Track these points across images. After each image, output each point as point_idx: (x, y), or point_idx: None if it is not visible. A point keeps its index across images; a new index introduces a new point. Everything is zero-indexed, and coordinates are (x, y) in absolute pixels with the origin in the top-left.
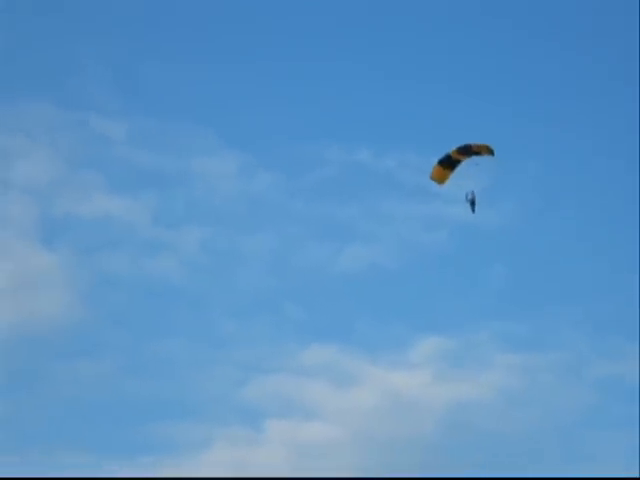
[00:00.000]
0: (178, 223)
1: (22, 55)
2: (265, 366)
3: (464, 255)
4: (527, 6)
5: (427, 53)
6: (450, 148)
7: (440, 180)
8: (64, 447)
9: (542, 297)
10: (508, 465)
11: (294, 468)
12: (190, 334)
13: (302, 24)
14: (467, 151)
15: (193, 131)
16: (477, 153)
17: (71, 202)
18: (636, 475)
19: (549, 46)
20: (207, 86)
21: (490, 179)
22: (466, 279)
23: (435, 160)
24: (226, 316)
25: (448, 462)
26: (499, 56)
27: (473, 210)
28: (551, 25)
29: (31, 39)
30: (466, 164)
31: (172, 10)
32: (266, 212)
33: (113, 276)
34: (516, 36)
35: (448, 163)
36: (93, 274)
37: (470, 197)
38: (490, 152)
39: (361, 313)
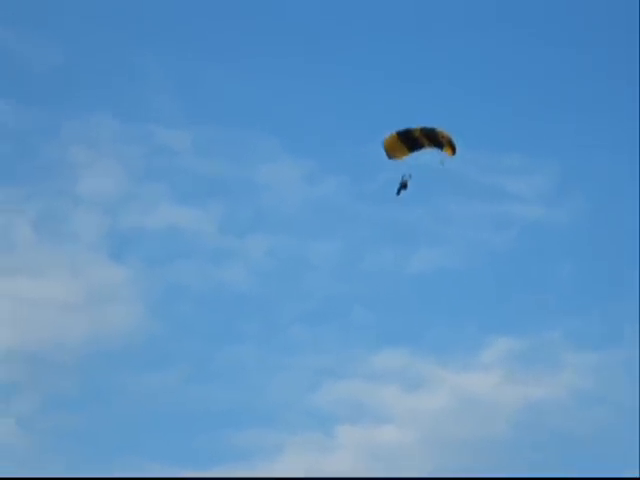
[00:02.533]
0: (245, 231)
1: (85, 67)
2: (335, 371)
3: (533, 254)
4: None
5: (495, 60)
6: (417, 125)
7: (391, 151)
8: (140, 458)
9: (613, 294)
10: (579, 466)
11: (367, 473)
12: (260, 341)
13: (365, 34)
14: (430, 136)
15: (257, 139)
16: (439, 145)
17: (138, 214)
18: (636, 475)
19: None
20: (270, 93)
21: (559, 176)
22: (536, 278)
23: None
24: (295, 322)
25: (520, 463)
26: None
27: (398, 192)
28: None
29: (93, 51)
30: (429, 155)
31: (232, 18)
32: (332, 217)
33: (182, 286)
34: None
35: (407, 138)
36: (163, 286)
37: (405, 179)
38: (452, 149)
39: (431, 316)
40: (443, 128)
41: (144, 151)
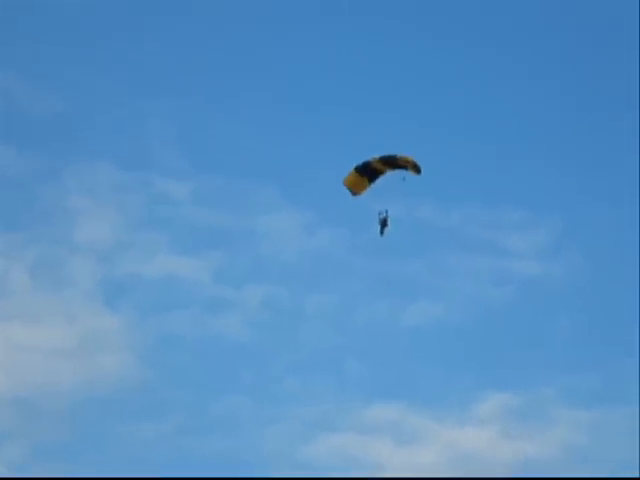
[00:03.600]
0: (241, 281)
1: (85, 114)
2: (329, 424)
3: (531, 309)
4: None
5: (496, 115)
6: (373, 156)
7: (354, 188)
8: None
9: (610, 351)
10: None
11: None
12: (253, 391)
13: (365, 88)
14: (392, 162)
15: (257, 189)
16: (402, 167)
17: (135, 263)
18: (636, 475)
19: None
20: (270, 143)
21: (558, 231)
22: (533, 334)
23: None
24: (289, 373)
25: None
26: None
27: (382, 232)
28: None
29: (94, 98)
30: (391, 177)
31: (233, 69)
32: (329, 269)
33: (177, 336)
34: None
35: (366, 172)
36: (156, 334)
37: (382, 217)
38: (416, 170)
39: (425, 369)
40: (403, 153)
41: (143, 200)
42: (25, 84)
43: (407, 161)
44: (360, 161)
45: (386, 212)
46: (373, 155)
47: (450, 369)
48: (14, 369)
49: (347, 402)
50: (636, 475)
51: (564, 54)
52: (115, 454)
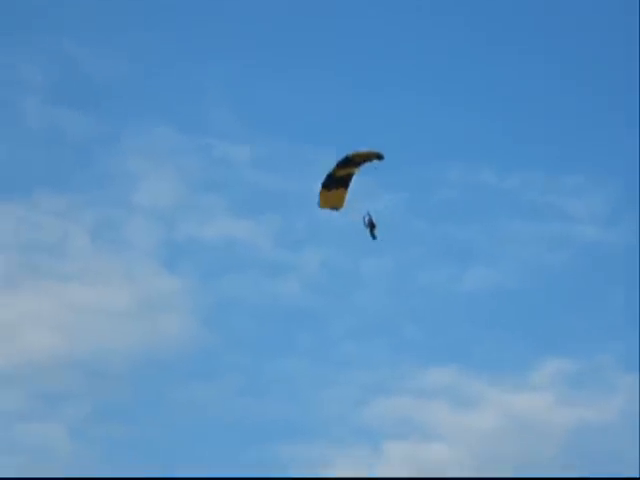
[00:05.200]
0: (300, 244)
1: (147, 79)
2: (385, 387)
3: (588, 275)
4: None
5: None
6: (332, 167)
7: (334, 204)
8: (187, 468)
9: None
10: None
11: None
12: (311, 355)
13: (425, 50)
14: (352, 162)
15: (314, 152)
16: (365, 161)
17: (194, 226)
18: (636, 475)
19: None
20: (329, 106)
21: (618, 197)
22: (590, 299)
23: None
24: (346, 337)
25: None
26: None
27: (373, 235)
28: None
29: (155, 63)
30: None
31: (291, 33)
32: (387, 233)
33: (236, 299)
34: None
35: (334, 183)
36: (216, 297)
37: (367, 219)
38: (378, 157)
39: (482, 334)
40: (353, 150)
41: (202, 163)
42: (86, 49)
43: (362, 155)
44: (324, 177)
45: (369, 214)
46: (331, 166)
47: (507, 334)
48: (76, 331)
49: (404, 366)
50: (636, 475)
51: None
52: (172, 415)
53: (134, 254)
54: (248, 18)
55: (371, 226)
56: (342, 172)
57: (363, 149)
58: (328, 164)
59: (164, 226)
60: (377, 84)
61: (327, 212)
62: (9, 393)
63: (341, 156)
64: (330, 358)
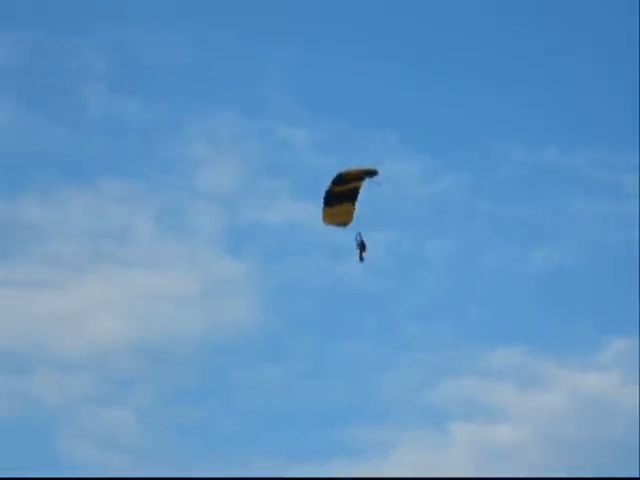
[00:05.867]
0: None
1: (209, 66)
2: (451, 368)
3: None
4: None
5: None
6: (329, 185)
7: (341, 220)
8: (253, 451)
9: None
10: None
11: (480, 471)
12: (375, 337)
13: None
14: (347, 179)
15: (376, 135)
16: (359, 177)
17: (257, 210)
18: (636, 475)
19: None
20: (390, 90)
21: None
22: None
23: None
24: (411, 319)
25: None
26: None
27: (361, 258)
28: None
29: (217, 50)
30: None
31: (352, 17)
32: (451, 214)
33: (299, 282)
34: None
35: (335, 199)
36: (279, 281)
37: (359, 239)
38: (372, 174)
39: (548, 314)
40: (346, 168)
41: (264, 147)
42: (148, 36)
43: (360, 172)
44: (324, 194)
45: (360, 235)
46: (328, 184)
47: (573, 314)
48: (142, 317)
49: (469, 347)
50: (636, 475)
51: None
52: (238, 399)
53: (198, 239)
54: (308, 2)
55: (361, 247)
56: (339, 189)
57: (354, 167)
58: (388, 147)
59: (227, 211)
60: (439, 68)
61: (390, 194)
62: (80, 379)
63: (335, 175)
64: (395, 340)
